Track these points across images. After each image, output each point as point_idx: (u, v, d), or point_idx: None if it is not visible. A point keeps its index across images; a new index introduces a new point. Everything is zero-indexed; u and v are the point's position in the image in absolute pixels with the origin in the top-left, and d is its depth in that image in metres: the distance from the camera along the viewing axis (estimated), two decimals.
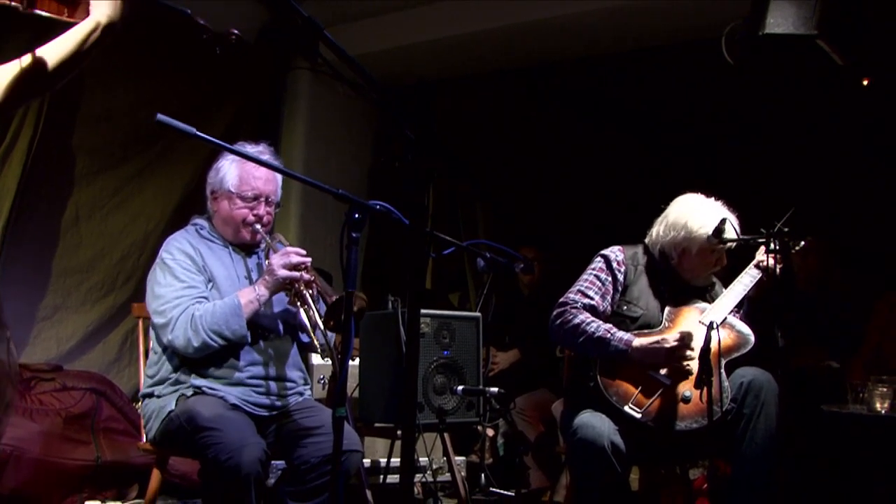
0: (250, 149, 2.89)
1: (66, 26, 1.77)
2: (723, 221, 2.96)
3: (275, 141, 5.88)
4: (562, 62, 5.62)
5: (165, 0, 1.86)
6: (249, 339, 2.88)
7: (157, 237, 4.86)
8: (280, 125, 5.94)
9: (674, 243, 3.11)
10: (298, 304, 2.92)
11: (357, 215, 2.25)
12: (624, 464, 2.80)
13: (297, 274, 2.87)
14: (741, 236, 2.98)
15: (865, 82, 3.90)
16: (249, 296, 2.86)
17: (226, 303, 2.84)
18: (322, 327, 2.87)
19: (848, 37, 3.49)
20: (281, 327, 3.05)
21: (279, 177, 3.08)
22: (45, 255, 4.60)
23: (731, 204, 3.15)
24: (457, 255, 5.76)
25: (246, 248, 3.10)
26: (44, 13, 1.70)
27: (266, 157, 2.91)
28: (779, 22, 3.35)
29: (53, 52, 1.74)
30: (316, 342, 2.95)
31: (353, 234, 2.24)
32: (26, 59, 1.70)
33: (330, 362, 4.11)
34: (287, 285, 2.90)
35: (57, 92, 4.65)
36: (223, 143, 2.37)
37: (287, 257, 2.88)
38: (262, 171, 3.01)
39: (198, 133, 2.20)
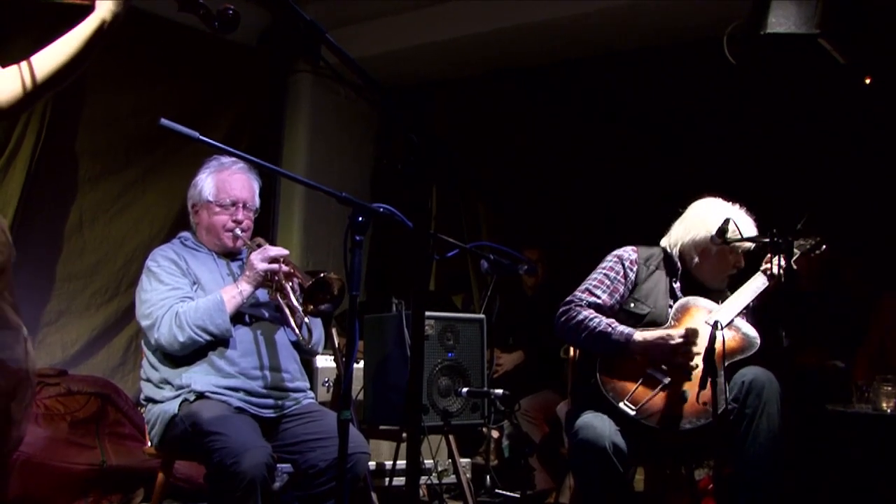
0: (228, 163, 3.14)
1: (77, 9, 1.76)
2: (726, 221, 2.96)
3: (277, 144, 5.90)
4: (563, 63, 5.61)
5: None
6: (233, 334, 2.92)
7: (160, 242, 4.83)
8: (282, 128, 5.94)
9: (694, 244, 3.12)
10: (280, 297, 3.01)
11: (360, 218, 2.26)
12: (626, 464, 2.80)
13: (275, 266, 2.96)
14: (745, 237, 2.98)
15: (867, 81, 3.90)
16: (232, 291, 2.93)
17: (209, 299, 2.90)
18: (303, 314, 2.97)
19: (849, 36, 3.49)
20: (269, 318, 3.10)
21: (255, 185, 3.19)
22: (49, 260, 4.61)
23: (748, 211, 3.15)
24: (460, 257, 5.74)
25: (229, 256, 3.18)
26: None
27: (248, 173, 3.15)
28: (780, 21, 3.35)
29: (59, 51, 1.74)
30: (300, 336, 3.04)
31: (357, 237, 2.25)
32: (33, 60, 1.70)
33: (334, 365, 4.13)
34: (268, 280, 2.99)
35: (60, 96, 4.69)
36: (226, 147, 2.39)
37: (265, 252, 2.96)
38: (238, 179, 3.13)
39: (200, 137, 2.21)
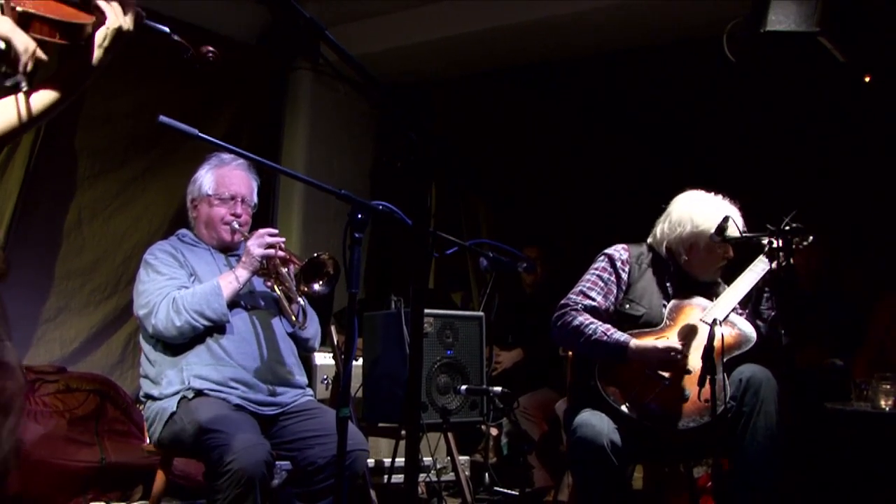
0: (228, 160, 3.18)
1: (61, 49, 1.79)
2: (725, 219, 2.95)
3: (276, 141, 5.90)
4: (563, 60, 5.61)
5: (149, 22, 1.88)
6: (229, 319, 2.94)
7: (159, 239, 4.83)
8: (282, 126, 5.95)
9: (681, 239, 3.10)
10: (276, 284, 3.05)
11: (360, 215, 2.27)
12: (624, 462, 2.80)
13: (272, 251, 2.99)
14: (744, 234, 2.97)
15: (867, 79, 3.90)
16: (228, 277, 2.97)
17: (205, 285, 2.94)
18: (297, 299, 3.03)
19: (849, 34, 3.49)
20: (265, 307, 3.12)
21: (254, 182, 3.23)
22: (48, 258, 4.61)
23: (732, 201, 3.14)
24: (460, 255, 5.76)
25: (227, 251, 3.20)
26: (35, 36, 1.70)
27: (247, 170, 3.19)
28: (780, 19, 3.35)
29: (47, 92, 1.77)
30: (297, 322, 3.07)
31: (356, 235, 2.26)
32: (21, 98, 1.71)
33: (333, 362, 4.13)
34: (265, 268, 3.02)
35: None
36: (225, 144, 2.39)
37: (261, 238, 2.99)
38: (237, 175, 3.18)
39: (199, 134, 2.22)
